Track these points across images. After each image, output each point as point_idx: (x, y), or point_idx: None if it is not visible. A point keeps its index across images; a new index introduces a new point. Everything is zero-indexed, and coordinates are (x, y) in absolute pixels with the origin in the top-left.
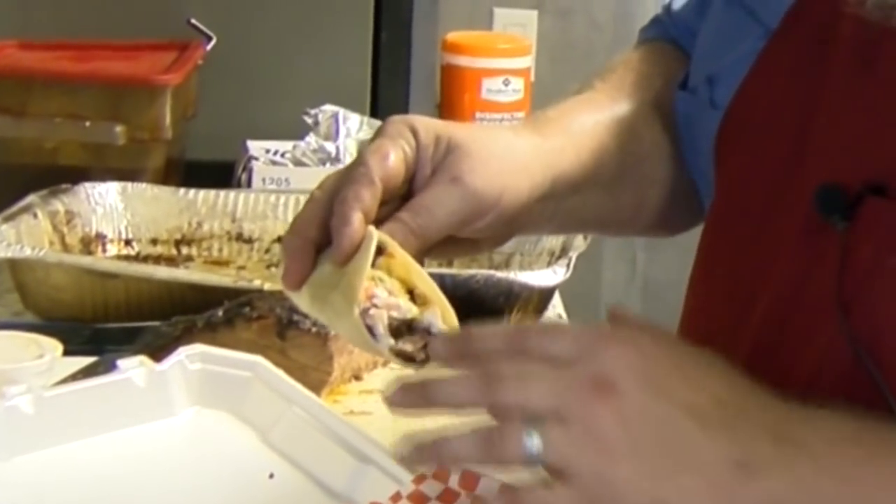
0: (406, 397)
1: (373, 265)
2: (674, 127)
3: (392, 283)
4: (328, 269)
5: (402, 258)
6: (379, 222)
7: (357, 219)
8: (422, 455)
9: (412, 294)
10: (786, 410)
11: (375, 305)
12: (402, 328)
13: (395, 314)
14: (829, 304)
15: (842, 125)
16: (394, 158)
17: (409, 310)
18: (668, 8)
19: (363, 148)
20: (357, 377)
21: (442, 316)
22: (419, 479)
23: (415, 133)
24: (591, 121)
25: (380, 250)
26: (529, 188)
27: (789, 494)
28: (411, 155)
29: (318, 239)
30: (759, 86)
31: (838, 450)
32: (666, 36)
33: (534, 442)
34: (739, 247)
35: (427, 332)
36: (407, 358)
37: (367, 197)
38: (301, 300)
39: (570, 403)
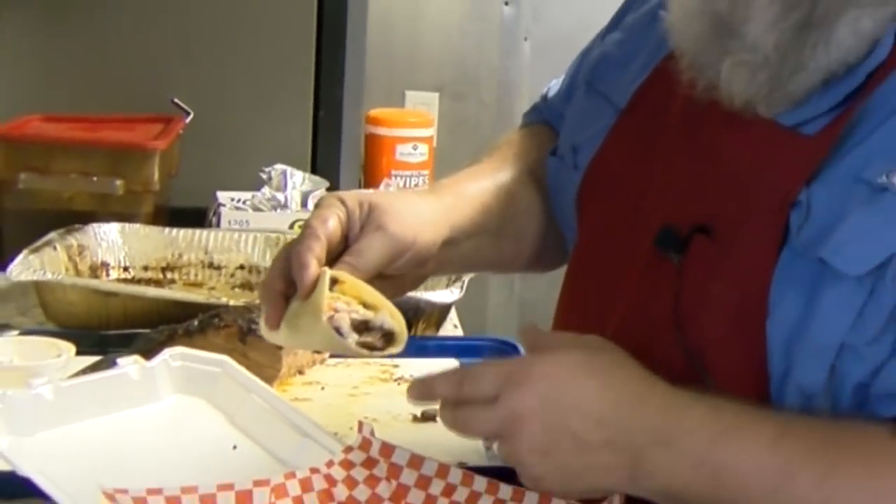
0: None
1: (329, 292)
2: (545, 189)
3: (347, 299)
4: (295, 305)
5: (351, 280)
6: None
7: (311, 262)
8: None
9: (364, 306)
10: (665, 419)
11: (338, 311)
12: (361, 327)
13: (355, 316)
14: (666, 321)
15: (675, 180)
16: (332, 222)
17: (365, 314)
18: (544, 97)
19: (308, 217)
20: (300, 372)
21: (391, 315)
22: (347, 450)
23: (343, 202)
24: (477, 187)
25: (332, 282)
26: (434, 235)
27: (674, 484)
28: (344, 218)
29: (284, 289)
30: (610, 151)
31: (697, 438)
32: (541, 119)
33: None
34: (596, 277)
35: (381, 328)
36: (371, 348)
37: (317, 247)
38: (279, 337)
39: (500, 432)
